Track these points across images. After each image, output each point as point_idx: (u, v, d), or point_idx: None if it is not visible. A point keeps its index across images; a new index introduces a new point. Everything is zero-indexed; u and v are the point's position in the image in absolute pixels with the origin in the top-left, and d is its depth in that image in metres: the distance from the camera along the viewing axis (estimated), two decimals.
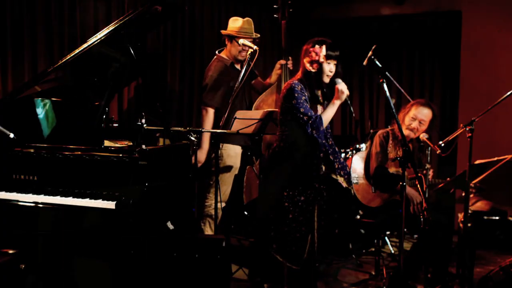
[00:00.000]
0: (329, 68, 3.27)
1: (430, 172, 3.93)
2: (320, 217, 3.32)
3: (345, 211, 4.36)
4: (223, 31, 4.25)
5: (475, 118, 3.43)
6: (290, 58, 4.31)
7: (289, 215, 3.26)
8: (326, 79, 3.29)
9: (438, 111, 4.15)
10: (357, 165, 4.16)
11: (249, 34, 4.16)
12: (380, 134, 3.94)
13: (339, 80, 3.26)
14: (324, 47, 3.25)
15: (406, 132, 3.82)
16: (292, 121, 3.27)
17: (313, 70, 3.27)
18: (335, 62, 3.29)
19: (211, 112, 4.10)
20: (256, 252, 3.83)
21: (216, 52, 4.30)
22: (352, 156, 4.36)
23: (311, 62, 3.26)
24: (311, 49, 3.26)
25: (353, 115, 3.54)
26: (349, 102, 3.29)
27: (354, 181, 4.10)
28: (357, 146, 4.76)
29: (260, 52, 3.91)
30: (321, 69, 3.27)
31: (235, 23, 4.19)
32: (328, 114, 3.27)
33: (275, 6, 4.37)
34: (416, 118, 3.82)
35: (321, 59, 3.24)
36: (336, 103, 3.26)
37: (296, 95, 3.22)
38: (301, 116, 3.20)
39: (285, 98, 3.28)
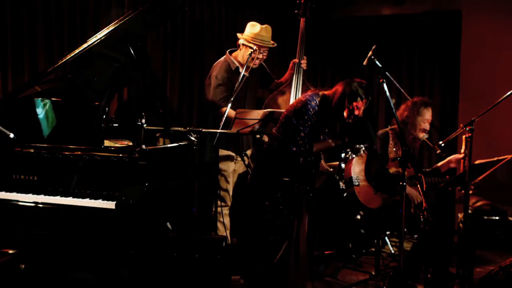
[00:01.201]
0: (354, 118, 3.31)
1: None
2: (311, 225, 3.34)
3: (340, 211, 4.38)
4: (239, 35, 4.11)
5: (475, 118, 3.43)
6: (305, 57, 4.26)
7: (267, 215, 3.27)
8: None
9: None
10: (357, 167, 4.16)
11: (265, 42, 4.01)
12: (379, 134, 3.94)
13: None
14: (365, 101, 3.27)
15: (420, 134, 3.83)
16: (290, 134, 3.27)
17: (346, 120, 3.28)
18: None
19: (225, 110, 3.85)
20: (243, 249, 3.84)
21: (227, 52, 4.19)
22: (353, 158, 4.36)
23: (350, 114, 3.26)
24: (355, 103, 3.24)
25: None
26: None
27: (356, 183, 4.10)
28: (357, 146, 4.75)
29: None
30: (350, 120, 3.31)
31: (252, 29, 4.03)
32: (318, 147, 3.35)
33: (297, 1, 4.32)
34: (428, 120, 3.85)
35: (361, 114, 3.25)
36: (332, 145, 3.40)
37: (305, 117, 3.22)
38: (298, 138, 3.21)
39: (296, 111, 3.28)
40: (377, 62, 3.22)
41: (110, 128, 3.49)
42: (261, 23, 4.08)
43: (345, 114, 3.27)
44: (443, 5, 5.87)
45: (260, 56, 4.00)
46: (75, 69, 3.30)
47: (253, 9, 5.51)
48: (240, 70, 4.03)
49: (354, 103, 3.24)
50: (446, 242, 3.75)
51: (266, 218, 3.29)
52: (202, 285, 3.26)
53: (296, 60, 4.21)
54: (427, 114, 3.85)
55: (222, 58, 4.18)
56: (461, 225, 3.74)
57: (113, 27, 2.96)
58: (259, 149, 3.94)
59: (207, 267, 3.25)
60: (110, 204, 2.65)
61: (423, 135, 3.82)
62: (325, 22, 6.16)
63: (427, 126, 3.84)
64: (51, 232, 2.75)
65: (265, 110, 3.75)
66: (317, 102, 3.28)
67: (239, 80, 3.76)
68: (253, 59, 3.96)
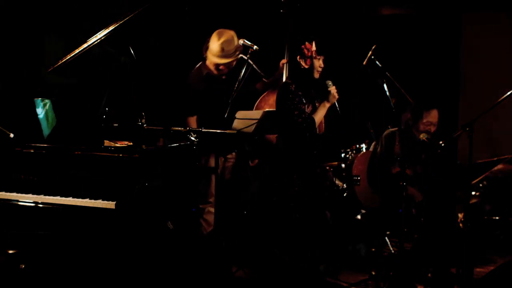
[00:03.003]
0: (319, 63, 3.36)
1: None
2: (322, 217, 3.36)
3: (340, 210, 4.38)
4: (204, 49, 3.97)
5: (475, 118, 3.43)
6: None
7: (292, 215, 3.29)
8: (317, 75, 3.38)
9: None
10: (358, 165, 4.15)
11: (229, 55, 3.83)
12: (385, 134, 3.93)
13: (330, 83, 3.35)
14: (314, 43, 3.30)
15: (420, 135, 3.82)
16: (286, 121, 3.31)
17: (306, 67, 3.32)
18: (323, 58, 3.36)
19: (191, 120, 3.91)
20: (258, 251, 3.84)
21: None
22: (354, 157, 4.35)
23: (304, 58, 3.32)
24: (302, 46, 3.32)
25: (339, 117, 3.57)
26: (337, 106, 3.40)
27: (357, 183, 4.10)
28: (358, 146, 4.75)
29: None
30: (312, 65, 3.32)
31: (214, 44, 3.85)
32: (318, 116, 3.36)
33: (282, 1, 4.30)
34: (432, 123, 3.83)
35: (314, 55, 3.30)
36: (327, 106, 3.37)
37: (290, 95, 3.29)
38: (295, 118, 3.24)
39: (279, 98, 3.35)
40: (377, 62, 3.24)
41: (110, 128, 3.49)
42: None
43: (299, 60, 3.35)
44: (443, 5, 5.87)
45: (224, 68, 3.91)
46: (75, 69, 3.30)
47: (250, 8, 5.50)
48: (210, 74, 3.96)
49: (302, 46, 3.34)
50: (446, 242, 3.76)
51: (294, 217, 3.32)
52: (202, 285, 3.26)
53: (285, 60, 4.18)
54: (429, 117, 3.82)
55: (197, 66, 4.11)
56: (461, 225, 3.74)
57: (113, 27, 2.96)
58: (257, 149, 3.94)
59: (207, 267, 3.26)
60: (110, 204, 2.65)
61: (422, 135, 3.82)
62: (323, 22, 6.16)
63: (431, 128, 3.82)
64: (51, 232, 2.76)
65: (265, 110, 3.75)
66: (287, 82, 3.41)
67: (242, 74, 3.74)
68: (217, 70, 3.91)
